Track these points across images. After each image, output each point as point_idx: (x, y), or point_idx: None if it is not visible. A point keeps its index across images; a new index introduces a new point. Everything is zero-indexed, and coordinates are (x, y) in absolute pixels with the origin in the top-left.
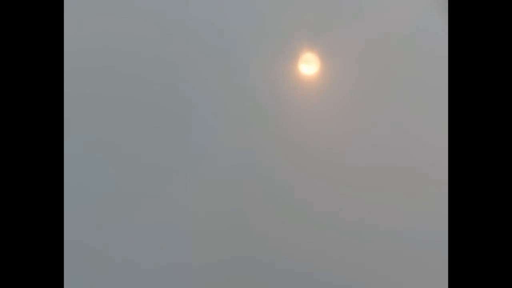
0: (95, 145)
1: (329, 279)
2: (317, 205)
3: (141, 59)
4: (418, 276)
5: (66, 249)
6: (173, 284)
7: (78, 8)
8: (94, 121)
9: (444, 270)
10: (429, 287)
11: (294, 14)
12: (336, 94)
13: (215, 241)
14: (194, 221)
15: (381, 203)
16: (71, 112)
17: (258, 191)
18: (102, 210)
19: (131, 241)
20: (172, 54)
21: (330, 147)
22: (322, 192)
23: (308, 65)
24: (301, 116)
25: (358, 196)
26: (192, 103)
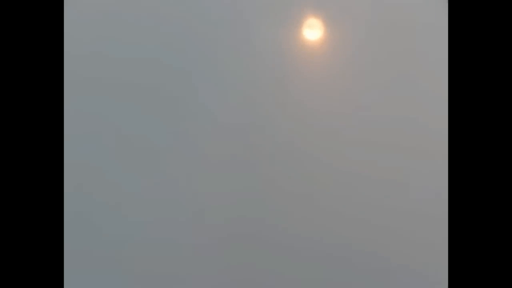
0: (100, 105)
1: (334, 239)
2: (322, 165)
3: (146, 22)
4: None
5: (66, 202)
6: (174, 239)
7: None
8: (99, 82)
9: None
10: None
11: None
12: (340, 58)
13: (219, 200)
14: (198, 180)
15: (387, 162)
16: (72, 74)
17: (263, 151)
18: (106, 164)
19: (133, 195)
20: (177, 17)
21: (333, 109)
22: (325, 152)
23: (312, 30)
24: (306, 79)
25: (363, 154)
26: (198, 65)
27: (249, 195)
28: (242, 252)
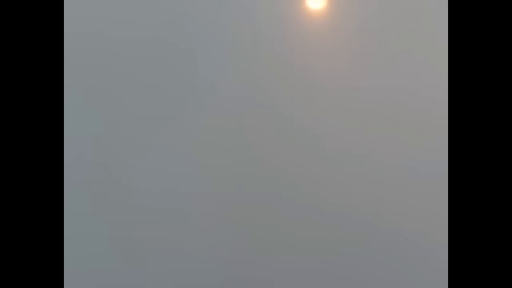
0: (108, 80)
1: (326, 203)
2: (320, 134)
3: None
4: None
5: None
6: (176, 208)
7: None
8: (105, 57)
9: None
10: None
11: None
12: (341, 27)
13: (219, 171)
14: (201, 151)
15: (382, 134)
16: (74, 51)
17: (262, 121)
18: (112, 133)
19: (138, 165)
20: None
21: (333, 80)
22: (323, 121)
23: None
24: (306, 47)
25: (358, 123)
26: (199, 38)
27: (247, 165)
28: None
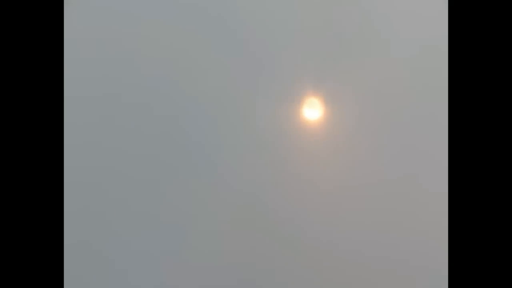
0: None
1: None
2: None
3: (151, 106)
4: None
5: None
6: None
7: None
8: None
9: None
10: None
11: (298, 59)
12: (339, 137)
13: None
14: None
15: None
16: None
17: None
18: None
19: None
20: (177, 98)
21: (332, 188)
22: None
23: (312, 109)
24: (305, 158)
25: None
26: (198, 148)
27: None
28: None
